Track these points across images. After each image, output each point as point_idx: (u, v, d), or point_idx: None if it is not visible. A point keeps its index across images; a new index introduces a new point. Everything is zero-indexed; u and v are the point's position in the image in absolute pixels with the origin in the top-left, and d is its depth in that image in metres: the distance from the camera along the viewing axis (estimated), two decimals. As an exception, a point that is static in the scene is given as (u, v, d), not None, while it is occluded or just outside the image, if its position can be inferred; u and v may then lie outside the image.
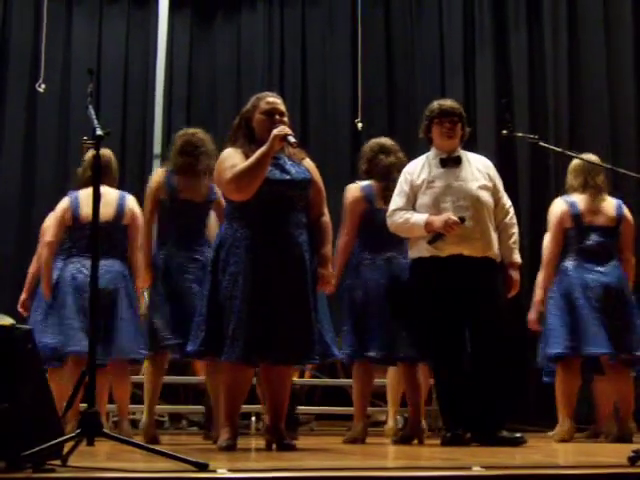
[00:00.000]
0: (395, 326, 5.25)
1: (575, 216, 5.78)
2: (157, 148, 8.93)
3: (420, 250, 5.05)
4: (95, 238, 3.45)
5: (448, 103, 5.23)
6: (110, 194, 5.59)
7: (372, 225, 5.38)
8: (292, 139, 4.23)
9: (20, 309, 6.04)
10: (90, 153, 5.69)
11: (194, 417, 7.49)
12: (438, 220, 4.90)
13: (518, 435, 4.83)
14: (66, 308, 5.42)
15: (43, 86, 8.45)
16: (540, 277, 5.88)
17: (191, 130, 5.55)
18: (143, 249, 5.34)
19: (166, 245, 5.32)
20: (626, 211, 5.89)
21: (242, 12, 9.55)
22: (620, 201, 5.91)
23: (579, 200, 5.81)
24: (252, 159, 4.22)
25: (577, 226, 5.78)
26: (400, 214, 5.07)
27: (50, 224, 5.73)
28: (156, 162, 8.86)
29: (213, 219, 5.49)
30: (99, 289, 5.16)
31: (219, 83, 9.45)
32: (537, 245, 6.23)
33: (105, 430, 3.12)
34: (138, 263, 5.44)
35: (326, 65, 9.43)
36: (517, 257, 5.18)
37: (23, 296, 6.08)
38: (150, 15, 9.23)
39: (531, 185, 8.12)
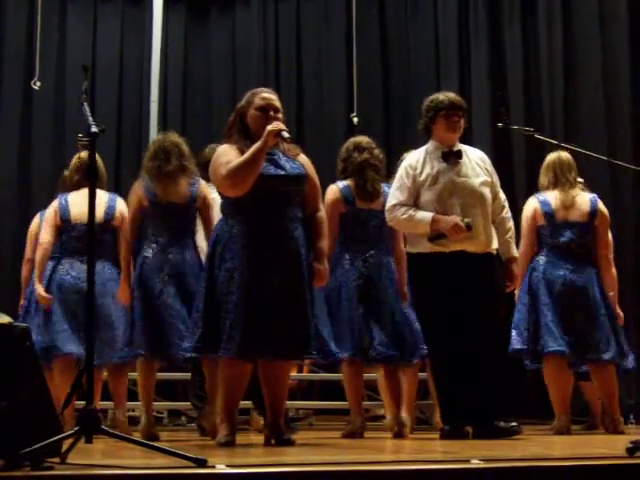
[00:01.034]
0: (369, 326, 5.25)
1: (547, 214, 5.77)
2: (153, 145, 8.93)
3: (421, 245, 5.03)
4: (91, 239, 3.44)
5: (454, 96, 5.20)
6: (99, 196, 5.59)
7: (353, 225, 5.37)
8: (286, 134, 4.23)
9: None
10: (75, 157, 5.72)
11: (193, 413, 7.48)
12: (445, 222, 4.88)
13: (513, 424, 4.84)
14: (53, 311, 5.47)
15: (38, 83, 8.44)
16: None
17: (162, 135, 5.54)
18: (124, 262, 5.32)
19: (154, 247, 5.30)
20: (601, 205, 5.86)
21: (236, 7, 9.53)
22: (595, 195, 5.88)
23: (551, 197, 5.81)
24: (246, 155, 4.22)
25: (550, 223, 5.77)
26: (402, 210, 5.03)
27: (42, 228, 5.73)
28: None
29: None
30: (83, 291, 5.18)
31: (214, 79, 9.43)
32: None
33: (103, 427, 3.12)
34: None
35: (321, 60, 9.42)
36: (515, 251, 5.20)
37: (22, 302, 6.04)
38: (144, 12, 9.22)
39: (527, 179, 8.11)
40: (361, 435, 5.31)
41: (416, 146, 5.41)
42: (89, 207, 3.31)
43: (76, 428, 3.04)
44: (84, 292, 5.31)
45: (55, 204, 5.70)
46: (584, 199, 5.83)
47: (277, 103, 4.44)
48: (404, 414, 5.53)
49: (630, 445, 3.22)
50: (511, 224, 5.21)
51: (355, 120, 8.55)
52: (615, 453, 3.39)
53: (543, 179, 5.92)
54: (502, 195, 5.22)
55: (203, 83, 9.46)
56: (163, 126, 8.97)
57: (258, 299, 4.19)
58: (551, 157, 5.89)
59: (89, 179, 3.41)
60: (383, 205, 5.31)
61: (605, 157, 5.66)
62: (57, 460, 2.91)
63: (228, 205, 4.37)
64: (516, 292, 5.73)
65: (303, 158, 4.53)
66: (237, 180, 4.23)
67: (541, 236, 5.83)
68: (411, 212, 5.00)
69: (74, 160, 5.75)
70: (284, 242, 4.28)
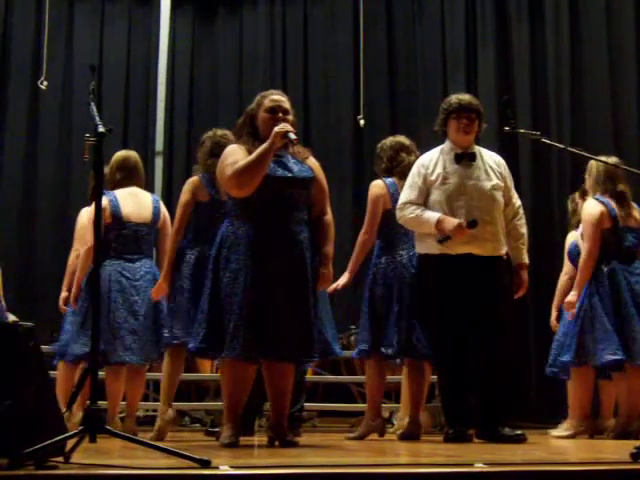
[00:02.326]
0: (412, 324, 5.22)
1: (614, 217, 5.66)
2: (159, 145, 8.95)
3: (429, 246, 5.03)
4: (97, 238, 3.45)
5: (467, 98, 5.19)
6: (145, 196, 5.62)
7: (396, 223, 5.31)
8: (293, 136, 4.23)
9: (62, 306, 5.93)
10: (118, 155, 5.68)
11: (196, 414, 7.49)
12: (449, 223, 4.88)
13: (519, 432, 4.82)
14: (115, 312, 5.38)
15: (45, 83, 8.45)
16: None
17: (219, 131, 5.40)
18: (169, 256, 5.22)
19: (198, 244, 5.21)
20: None
21: (244, 9, 9.52)
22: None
23: (611, 201, 5.70)
24: (253, 155, 4.23)
25: (614, 228, 5.65)
26: (411, 209, 5.03)
27: (88, 226, 5.48)
28: (158, 159, 8.88)
29: None
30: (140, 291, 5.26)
31: (221, 80, 9.43)
32: (539, 242, 6.24)
33: (107, 427, 3.12)
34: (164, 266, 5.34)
35: (328, 62, 9.41)
36: (526, 258, 5.17)
37: (64, 294, 5.96)
38: (152, 12, 9.23)
39: (533, 182, 8.12)
40: (382, 435, 5.32)
41: (422, 148, 5.41)
42: (95, 209, 3.31)
43: (80, 428, 3.04)
44: (143, 290, 5.39)
45: (105, 201, 5.47)
46: (633, 205, 5.77)
47: (287, 105, 4.45)
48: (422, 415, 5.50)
49: (634, 450, 3.21)
50: (524, 230, 5.17)
51: (362, 122, 8.55)
52: (619, 458, 3.39)
53: (599, 187, 5.76)
54: (516, 200, 5.20)
55: (210, 84, 9.46)
56: (170, 126, 9.01)
57: (262, 301, 4.19)
58: (599, 165, 5.71)
59: (96, 178, 3.41)
60: None
61: (612, 162, 5.63)
62: (61, 459, 2.92)
63: (234, 206, 4.37)
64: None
65: (312, 161, 4.52)
66: (243, 180, 4.24)
67: (605, 241, 5.66)
68: (418, 212, 5.01)
69: (115, 158, 5.66)
70: (289, 244, 4.28)
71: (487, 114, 8.27)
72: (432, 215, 4.95)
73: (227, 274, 4.25)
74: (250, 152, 4.29)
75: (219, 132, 5.36)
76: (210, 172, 5.07)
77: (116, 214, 5.50)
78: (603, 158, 5.38)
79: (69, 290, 5.74)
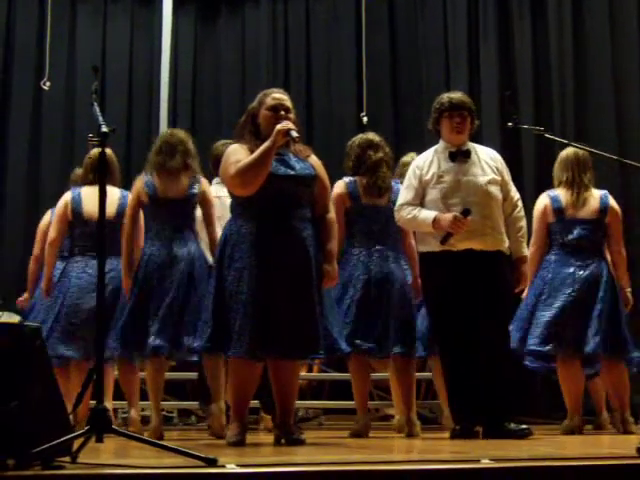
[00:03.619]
0: (382, 321, 5.27)
1: (557, 210, 5.74)
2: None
3: (430, 244, 5.04)
4: (101, 236, 3.45)
5: (458, 96, 5.20)
6: (112, 193, 5.61)
7: (358, 220, 5.39)
8: (295, 134, 4.24)
9: (19, 305, 6.02)
10: (88, 156, 5.73)
11: (202, 413, 7.49)
12: (445, 220, 4.88)
13: (524, 427, 4.84)
14: (73, 309, 5.48)
15: (48, 84, 8.47)
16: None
17: (169, 131, 5.60)
18: (124, 255, 5.33)
19: (149, 243, 5.32)
20: (612, 202, 5.81)
21: (246, 8, 9.53)
22: (605, 192, 5.83)
23: (562, 194, 5.77)
24: (255, 154, 4.23)
25: (560, 220, 5.74)
26: (408, 210, 5.06)
27: (53, 221, 5.71)
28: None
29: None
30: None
31: (224, 79, 9.44)
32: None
33: (114, 426, 3.13)
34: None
35: (330, 60, 9.41)
36: (525, 251, 5.19)
37: (25, 295, 6.06)
38: (154, 12, 9.24)
39: (536, 178, 8.11)
40: (366, 435, 5.31)
41: (425, 145, 5.41)
42: (99, 206, 3.30)
43: (87, 427, 3.04)
44: (108, 289, 5.36)
45: (67, 197, 5.67)
46: (594, 196, 5.80)
47: (288, 103, 4.45)
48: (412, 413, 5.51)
49: (641, 445, 3.21)
50: (522, 223, 5.19)
51: (365, 120, 8.55)
52: (626, 453, 3.38)
53: (559, 174, 5.84)
54: (515, 194, 5.21)
55: (212, 83, 9.47)
56: (173, 125, 8.99)
57: (267, 299, 4.19)
58: (568, 154, 5.80)
59: (99, 178, 3.41)
60: (389, 201, 5.38)
61: (615, 156, 5.62)
62: (68, 459, 2.92)
63: (237, 205, 4.38)
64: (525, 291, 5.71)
65: (314, 159, 4.53)
66: (246, 179, 4.25)
67: (551, 233, 5.79)
68: (415, 212, 5.02)
69: (87, 159, 5.73)
70: (293, 242, 4.28)
71: (490, 110, 8.38)
72: (428, 215, 4.96)
73: (231, 272, 4.26)
74: (252, 151, 4.29)
75: (175, 132, 5.57)
76: (156, 169, 5.32)
77: (77, 211, 5.59)
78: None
79: (30, 293, 5.85)
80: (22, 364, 2.93)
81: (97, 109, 3.52)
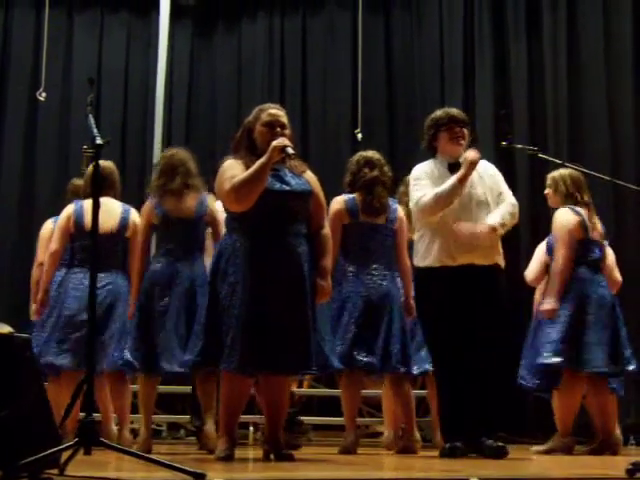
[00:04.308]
0: (383, 338, 5.27)
1: (586, 229, 5.74)
2: (157, 157, 8.93)
3: (429, 259, 4.98)
4: (95, 248, 3.45)
5: (454, 110, 5.19)
6: (114, 206, 5.62)
7: (355, 238, 5.40)
8: (290, 150, 4.24)
9: (34, 318, 5.93)
10: (90, 167, 5.71)
11: (192, 427, 7.46)
12: (466, 162, 4.81)
13: (501, 444, 4.75)
14: (67, 321, 5.47)
15: (44, 95, 8.47)
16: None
17: (169, 152, 5.58)
18: (135, 272, 5.34)
19: (156, 260, 5.34)
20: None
21: (242, 22, 9.55)
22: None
23: (585, 213, 5.78)
24: (250, 170, 4.24)
25: (587, 239, 5.74)
26: (428, 194, 4.90)
27: (54, 232, 5.70)
28: (156, 171, 8.86)
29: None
30: (98, 301, 5.21)
31: (219, 93, 9.45)
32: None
33: (102, 439, 3.12)
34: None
35: (326, 75, 9.42)
36: (492, 221, 4.96)
37: (34, 306, 5.96)
38: (150, 25, 9.24)
39: (529, 197, 8.12)
40: (354, 451, 5.29)
41: (419, 162, 5.41)
42: (92, 218, 3.32)
43: (75, 440, 3.03)
44: (106, 302, 5.44)
45: (70, 209, 5.67)
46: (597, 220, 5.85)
47: (284, 119, 4.45)
48: (414, 430, 5.49)
49: (630, 466, 3.20)
50: (511, 210, 5.02)
51: (359, 136, 8.57)
52: (615, 474, 3.38)
53: (566, 192, 5.82)
54: (512, 199, 5.10)
55: (208, 97, 9.47)
56: (167, 139, 9.01)
57: (260, 314, 4.19)
58: (570, 174, 5.80)
59: (93, 191, 3.42)
60: (387, 220, 5.39)
61: (608, 177, 5.65)
62: (56, 472, 2.91)
63: (232, 220, 4.38)
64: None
65: (309, 175, 4.54)
66: (241, 195, 4.25)
67: (577, 251, 5.73)
68: (436, 189, 4.89)
69: (88, 171, 5.72)
70: (287, 257, 4.28)
71: (484, 129, 8.41)
72: (449, 181, 4.87)
73: (225, 287, 4.25)
74: (248, 166, 4.30)
75: (174, 153, 5.55)
76: (158, 193, 5.33)
77: (79, 223, 5.57)
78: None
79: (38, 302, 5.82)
80: (11, 375, 2.92)
81: (92, 121, 3.52)
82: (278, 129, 4.39)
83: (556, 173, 5.92)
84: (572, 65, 8.42)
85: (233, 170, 4.32)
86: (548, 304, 5.66)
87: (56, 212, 5.85)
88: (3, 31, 9.15)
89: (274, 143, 4.24)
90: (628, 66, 8.22)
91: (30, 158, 9.01)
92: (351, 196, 5.48)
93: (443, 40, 9.09)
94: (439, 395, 5.16)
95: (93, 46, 9.31)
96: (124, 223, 5.62)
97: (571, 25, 8.47)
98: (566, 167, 5.67)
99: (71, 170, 8.69)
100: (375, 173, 5.48)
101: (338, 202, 5.45)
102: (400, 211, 5.55)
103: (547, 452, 5.65)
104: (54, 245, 5.60)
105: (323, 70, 9.44)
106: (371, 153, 5.65)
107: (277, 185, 4.33)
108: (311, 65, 9.46)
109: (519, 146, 5.67)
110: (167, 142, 9.03)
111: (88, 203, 5.57)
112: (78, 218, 5.58)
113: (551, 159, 5.61)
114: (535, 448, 5.81)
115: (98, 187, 3.46)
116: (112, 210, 5.60)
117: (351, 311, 5.30)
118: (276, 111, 4.47)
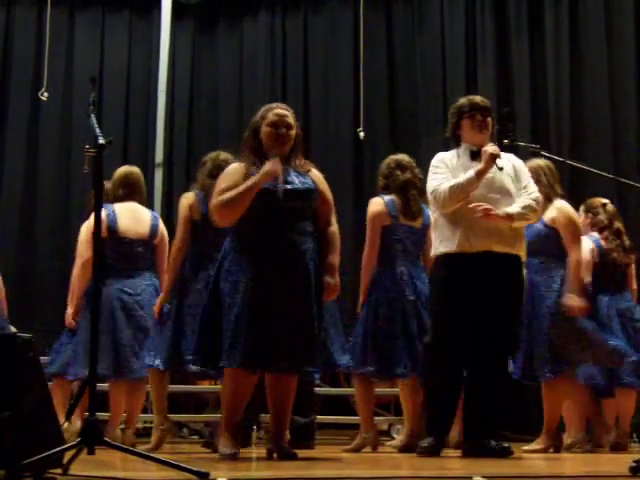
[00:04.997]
0: (417, 342, 5.23)
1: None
2: (159, 157, 8.94)
3: (447, 245, 4.80)
4: (98, 251, 3.45)
5: (478, 98, 5.03)
6: (144, 212, 5.63)
7: (393, 241, 5.37)
8: (281, 187, 4.22)
9: (70, 321, 5.87)
10: (121, 170, 5.73)
11: (195, 425, 7.48)
12: (484, 158, 4.70)
13: (506, 445, 4.67)
14: (123, 331, 5.39)
15: (46, 94, 8.48)
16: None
17: (223, 155, 5.35)
18: (170, 274, 5.21)
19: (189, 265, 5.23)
20: None
21: (244, 21, 9.55)
22: None
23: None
24: (240, 189, 4.23)
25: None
26: (445, 183, 4.77)
27: (85, 239, 5.57)
28: (158, 171, 8.88)
29: None
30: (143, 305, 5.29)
31: (221, 92, 9.45)
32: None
33: (106, 439, 3.12)
34: (164, 284, 5.32)
35: (328, 73, 9.43)
36: (510, 210, 4.77)
37: (69, 310, 5.88)
38: (152, 24, 9.26)
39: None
40: (375, 448, 5.33)
41: (422, 161, 5.40)
42: (95, 219, 3.31)
43: (78, 439, 3.03)
44: (146, 303, 5.41)
45: (102, 214, 5.46)
46: None
47: (290, 119, 4.43)
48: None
49: (634, 464, 3.20)
50: (531, 203, 4.84)
51: (361, 135, 8.57)
52: (619, 472, 3.38)
53: (556, 187, 5.70)
54: (535, 193, 4.90)
55: (210, 95, 9.48)
56: (170, 138, 9.02)
57: (263, 312, 4.18)
58: (547, 164, 5.64)
59: (95, 190, 3.41)
60: (423, 224, 5.38)
61: (611, 175, 5.64)
62: (59, 471, 2.91)
63: (237, 219, 4.38)
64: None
65: (315, 173, 4.52)
66: (224, 213, 4.29)
67: None
68: (453, 180, 4.77)
69: (118, 173, 5.69)
70: (291, 255, 4.27)
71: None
72: (466, 174, 4.75)
73: (228, 285, 4.25)
74: (249, 170, 4.30)
75: (222, 156, 5.31)
76: (207, 191, 5.01)
77: (113, 228, 5.47)
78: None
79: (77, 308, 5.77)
80: (14, 375, 2.92)
81: (94, 120, 3.52)
82: (283, 129, 4.38)
83: (533, 163, 5.74)
84: (574, 63, 8.41)
85: (227, 181, 4.32)
86: (573, 300, 5.53)
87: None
88: (5, 30, 9.16)
89: (268, 167, 4.21)
90: (631, 64, 8.22)
91: (32, 157, 9.02)
92: (389, 197, 5.44)
93: (445, 37, 9.08)
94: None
95: (95, 45, 9.32)
96: (154, 229, 5.60)
97: (573, 22, 8.47)
98: (568, 164, 5.65)
99: (73, 170, 8.71)
100: (408, 175, 5.46)
101: (378, 203, 5.42)
102: (430, 217, 5.41)
103: (536, 451, 5.61)
104: (88, 253, 5.42)
105: (325, 68, 9.45)
106: (401, 156, 5.61)
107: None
108: (313, 63, 9.46)
109: (522, 144, 5.64)
110: (169, 141, 9.05)
111: (119, 207, 5.55)
112: (112, 223, 5.48)
113: (553, 157, 5.60)
114: (526, 447, 5.79)
115: (100, 186, 3.44)
116: (143, 216, 5.59)
117: (384, 314, 5.27)
118: (282, 111, 4.45)
